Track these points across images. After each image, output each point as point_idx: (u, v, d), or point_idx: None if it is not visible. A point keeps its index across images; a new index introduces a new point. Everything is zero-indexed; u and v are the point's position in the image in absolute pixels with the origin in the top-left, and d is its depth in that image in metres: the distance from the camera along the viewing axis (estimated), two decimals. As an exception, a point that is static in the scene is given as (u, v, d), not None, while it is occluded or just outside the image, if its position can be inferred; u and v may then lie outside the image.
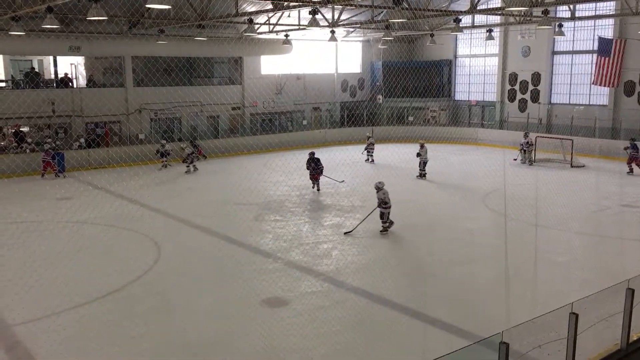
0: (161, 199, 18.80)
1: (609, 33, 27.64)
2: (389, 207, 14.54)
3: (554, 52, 30.24)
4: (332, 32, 25.64)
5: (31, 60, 28.52)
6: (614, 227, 15.66)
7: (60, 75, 26.31)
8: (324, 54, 33.42)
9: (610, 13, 25.78)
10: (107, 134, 25.91)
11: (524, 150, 25.30)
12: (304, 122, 32.52)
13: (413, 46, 35.95)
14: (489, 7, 27.82)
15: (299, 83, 32.29)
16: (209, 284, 11.45)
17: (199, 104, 27.92)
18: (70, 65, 26.66)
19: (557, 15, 27.13)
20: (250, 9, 23.15)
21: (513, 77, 31.75)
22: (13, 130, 23.90)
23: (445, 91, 35.20)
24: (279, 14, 24.46)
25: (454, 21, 22.45)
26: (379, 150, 25.88)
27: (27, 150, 23.46)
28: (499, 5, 25.86)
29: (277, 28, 26.68)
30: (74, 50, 23.80)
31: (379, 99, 34.14)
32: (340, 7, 23.51)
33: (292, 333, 9.16)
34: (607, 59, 26.97)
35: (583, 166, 24.26)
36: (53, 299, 10.38)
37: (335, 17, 24.38)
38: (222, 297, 10.75)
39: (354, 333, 9.30)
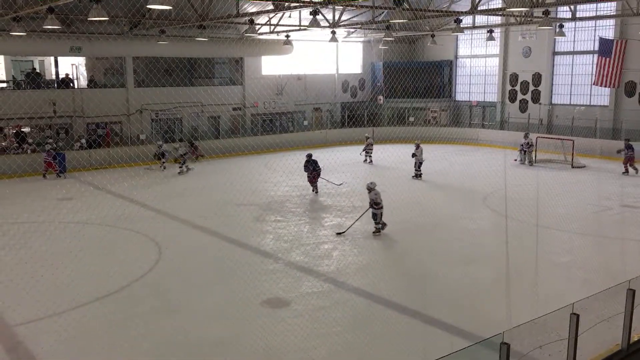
0: (162, 199, 18.80)
1: (609, 33, 27.63)
2: (381, 208, 14.50)
3: (555, 53, 30.22)
4: (333, 32, 25.67)
5: (32, 61, 28.59)
6: (614, 228, 15.64)
7: (62, 75, 26.31)
8: (324, 55, 33.41)
9: (611, 13, 25.76)
10: (108, 134, 25.95)
11: (524, 151, 25.29)
12: (305, 123, 32.53)
13: (414, 47, 35.94)
14: (489, 7, 27.87)
15: (299, 83, 32.31)
16: (210, 284, 11.45)
17: (199, 105, 27.92)
18: (71, 66, 26.73)
19: (558, 16, 27.12)
20: (251, 9, 23.14)
21: (514, 78, 31.74)
22: (14, 131, 23.90)
23: (446, 92, 35.19)
24: (279, 14, 24.45)
25: (455, 22, 22.49)
26: (379, 151, 25.80)
27: (29, 151, 23.45)
28: (500, 6, 25.88)
29: (278, 29, 26.67)
30: (75, 51, 23.84)
31: (380, 99, 34.12)
32: (341, 7, 23.53)
33: (293, 333, 9.17)
34: (607, 59, 26.96)
35: (584, 167, 24.25)
36: (54, 299, 10.40)
37: (336, 17, 24.37)
38: (222, 298, 10.76)
39: (355, 333, 9.30)
